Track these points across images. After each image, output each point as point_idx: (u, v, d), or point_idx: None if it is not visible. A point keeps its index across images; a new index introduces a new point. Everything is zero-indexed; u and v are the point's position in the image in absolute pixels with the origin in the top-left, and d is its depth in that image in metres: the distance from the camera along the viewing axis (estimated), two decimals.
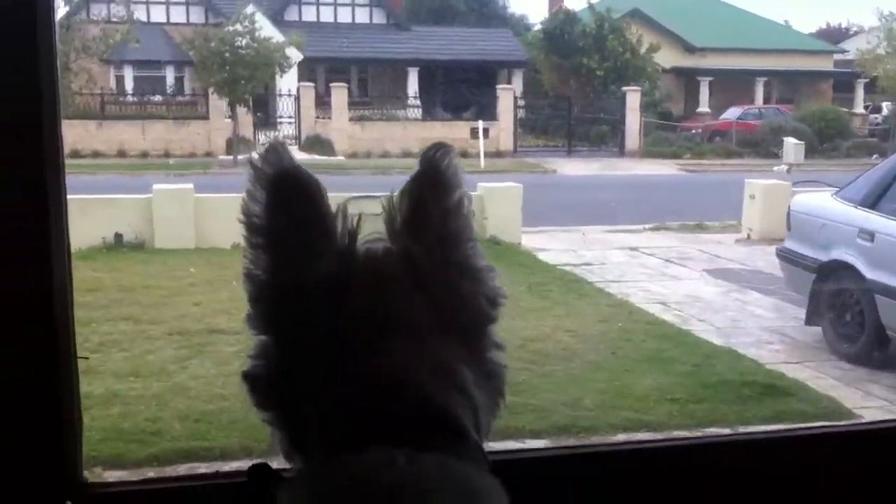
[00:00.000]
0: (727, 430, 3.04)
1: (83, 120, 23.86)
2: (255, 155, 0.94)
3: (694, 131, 27.45)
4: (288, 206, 0.94)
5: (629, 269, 11.18)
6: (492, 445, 0.98)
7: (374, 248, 0.97)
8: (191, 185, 12.49)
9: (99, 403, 5.97)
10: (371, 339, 0.90)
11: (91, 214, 11.60)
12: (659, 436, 1.99)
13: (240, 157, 22.34)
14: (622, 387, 6.88)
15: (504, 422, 4.38)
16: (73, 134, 23.38)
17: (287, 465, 0.96)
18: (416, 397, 0.88)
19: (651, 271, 11.19)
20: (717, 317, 9.23)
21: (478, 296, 0.96)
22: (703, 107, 29.48)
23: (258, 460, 0.99)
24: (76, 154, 23.31)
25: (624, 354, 7.77)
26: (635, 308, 9.26)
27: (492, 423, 0.99)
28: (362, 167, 22.62)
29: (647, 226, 13.85)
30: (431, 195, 0.97)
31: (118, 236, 11.50)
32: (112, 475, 4.65)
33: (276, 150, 0.95)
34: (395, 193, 0.97)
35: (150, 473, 4.96)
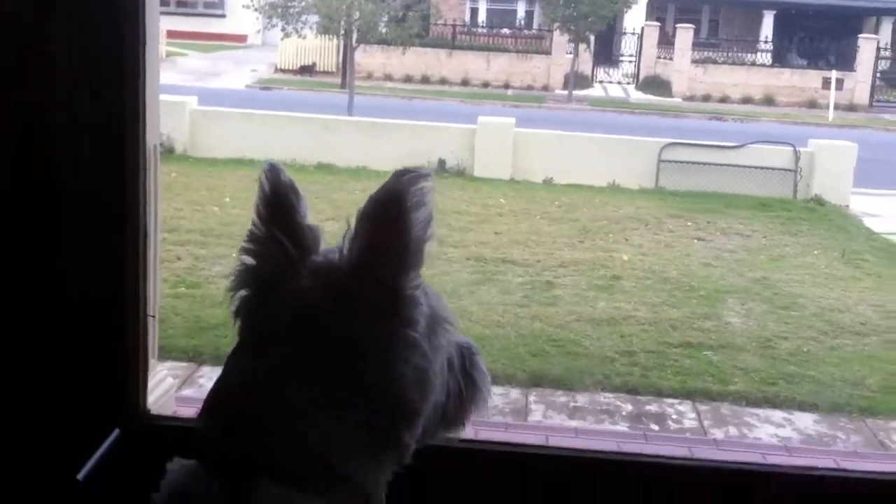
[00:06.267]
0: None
1: (436, 48, 25.19)
2: (261, 173, 1.07)
3: None
4: (271, 219, 1.06)
5: None
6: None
7: (314, 265, 1.04)
8: (512, 120, 12.87)
9: None
10: (253, 358, 1.03)
11: (422, 139, 12.41)
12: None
13: (575, 92, 22.55)
14: None
15: (775, 390, 4.33)
16: (425, 61, 24.82)
17: None
18: (249, 437, 0.99)
19: None
20: None
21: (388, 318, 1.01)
22: None
23: None
24: (425, 80, 24.76)
25: None
26: None
27: (399, 443, 1.05)
28: (698, 111, 21.96)
29: None
30: (380, 221, 1.00)
31: (441, 161, 12.17)
32: None
33: (271, 170, 1.06)
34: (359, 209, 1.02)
35: None
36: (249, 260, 1.07)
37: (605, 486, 1.51)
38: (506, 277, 7.89)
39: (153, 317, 1.57)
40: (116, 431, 1.45)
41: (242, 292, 1.07)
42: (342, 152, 12.19)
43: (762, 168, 11.85)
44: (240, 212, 8.83)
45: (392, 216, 0.99)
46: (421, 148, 12.18)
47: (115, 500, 1.37)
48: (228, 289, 1.07)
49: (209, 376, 5.62)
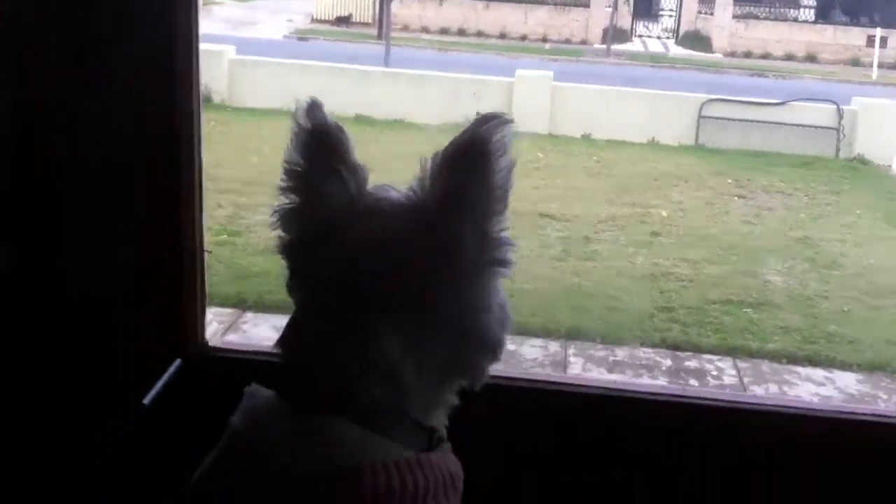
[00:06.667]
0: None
1: (472, 0, 24.90)
2: (297, 111, 1.06)
3: None
4: (317, 157, 1.06)
5: None
6: None
7: (380, 203, 1.05)
8: (550, 73, 12.74)
9: None
10: (324, 295, 1.03)
11: (459, 92, 12.34)
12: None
13: (613, 46, 22.27)
14: None
15: (816, 348, 4.38)
16: (462, 13, 24.57)
17: None
18: (318, 375, 1.01)
19: None
20: None
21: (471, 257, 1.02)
22: None
23: None
24: (462, 32, 24.50)
25: None
26: None
27: (470, 373, 1.08)
28: (739, 67, 21.60)
29: None
30: (464, 166, 1.01)
31: (479, 114, 12.10)
32: None
33: (313, 109, 1.06)
34: (435, 155, 1.01)
35: None
36: (295, 199, 1.06)
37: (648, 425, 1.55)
38: (545, 232, 7.88)
39: (209, 252, 1.63)
40: (178, 361, 1.53)
41: (293, 232, 1.06)
42: (379, 104, 12.15)
43: (804, 126, 11.68)
44: (279, 161, 8.85)
45: (475, 162, 1.00)
46: (459, 102, 12.12)
47: (176, 423, 1.46)
48: (274, 228, 1.07)
49: (253, 322, 5.70)
